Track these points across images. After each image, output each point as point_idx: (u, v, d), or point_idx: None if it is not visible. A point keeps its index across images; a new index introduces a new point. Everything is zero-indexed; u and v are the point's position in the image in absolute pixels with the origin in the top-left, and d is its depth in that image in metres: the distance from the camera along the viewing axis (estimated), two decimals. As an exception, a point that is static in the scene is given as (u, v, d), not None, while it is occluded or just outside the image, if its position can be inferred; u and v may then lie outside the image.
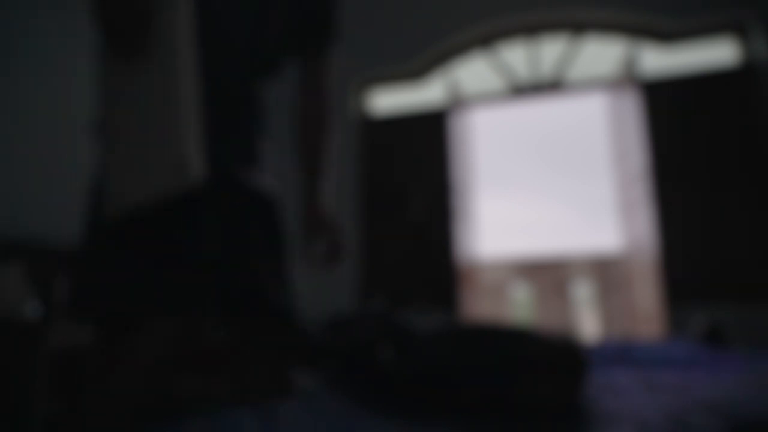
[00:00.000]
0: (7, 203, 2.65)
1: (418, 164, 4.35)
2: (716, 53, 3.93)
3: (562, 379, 0.68)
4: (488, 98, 4.43)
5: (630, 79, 3.98)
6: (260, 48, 1.08)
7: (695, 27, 3.89)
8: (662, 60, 4.04)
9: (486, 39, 4.39)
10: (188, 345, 0.87)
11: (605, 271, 11.48)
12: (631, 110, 4.01)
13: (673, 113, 3.85)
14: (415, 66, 4.40)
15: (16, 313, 1.89)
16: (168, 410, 0.82)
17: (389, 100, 4.61)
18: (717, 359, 1.27)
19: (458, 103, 4.43)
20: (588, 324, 11.56)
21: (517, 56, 4.41)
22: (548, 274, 11.86)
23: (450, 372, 0.71)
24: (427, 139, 4.38)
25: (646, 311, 3.97)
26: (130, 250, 0.89)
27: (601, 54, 4.31)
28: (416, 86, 4.53)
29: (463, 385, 0.70)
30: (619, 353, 1.28)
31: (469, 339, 0.75)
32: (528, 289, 11.97)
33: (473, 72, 4.50)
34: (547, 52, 4.33)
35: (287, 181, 1.36)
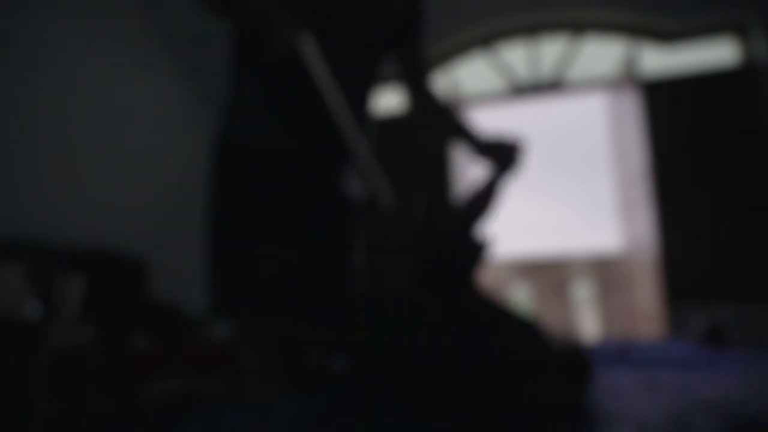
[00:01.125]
0: (7, 203, 2.65)
1: (419, 164, 4.34)
2: (716, 53, 3.93)
3: (567, 383, 0.68)
4: (488, 98, 4.42)
5: (630, 79, 3.97)
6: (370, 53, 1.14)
7: (695, 27, 3.89)
8: (662, 60, 4.03)
9: (486, 39, 4.39)
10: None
11: (605, 271, 11.47)
12: (631, 110, 4.01)
13: (673, 113, 3.85)
14: (415, 66, 4.39)
15: (16, 313, 1.88)
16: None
17: (389, 100, 4.61)
18: (717, 359, 1.27)
19: (458, 103, 4.42)
20: (588, 324, 11.56)
21: (517, 56, 4.40)
22: (548, 274, 11.85)
23: (454, 369, 0.71)
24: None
25: (646, 311, 3.97)
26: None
27: (601, 54, 4.30)
28: (416, 86, 4.52)
29: (469, 384, 0.70)
30: (620, 353, 1.28)
31: (476, 332, 0.75)
32: (528, 289, 11.96)
33: (473, 72, 4.50)
34: (547, 52, 4.32)
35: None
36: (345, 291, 1.13)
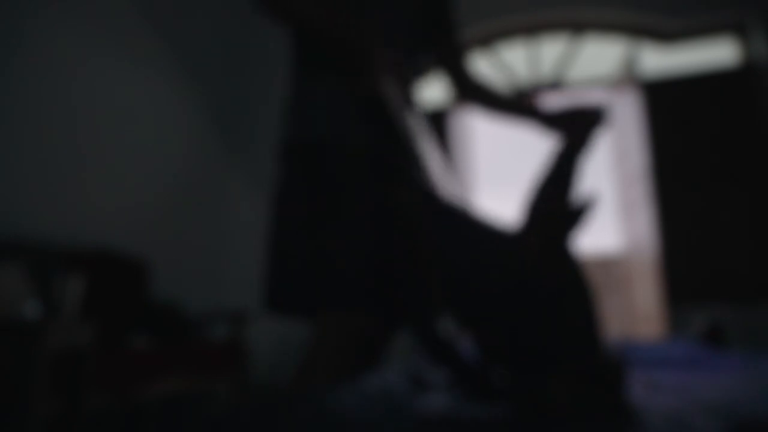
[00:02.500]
0: (7, 203, 2.65)
1: (418, 164, 4.35)
2: (716, 53, 3.93)
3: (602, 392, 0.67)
4: (488, 98, 4.42)
5: (630, 79, 3.97)
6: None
7: (695, 27, 3.89)
8: (662, 60, 4.04)
9: (486, 39, 4.39)
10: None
11: (605, 271, 11.47)
12: (631, 110, 4.01)
13: (673, 113, 3.85)
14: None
15: (16, 313, 1.89)
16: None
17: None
18: (717, 359, 1.27)
19: (458, 103, 4.42)
20: (588, 324, 11.55)
21: (517, 56, 4.40)
22: (548, 274, 11.83)
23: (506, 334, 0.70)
24: (427, 139, 4.37)
25: (646, 311, 3.97)
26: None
27: (601, 54, 4.31)
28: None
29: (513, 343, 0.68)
30: (619, 353, 1.28)
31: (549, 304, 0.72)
32: (528, 289, 11.95)
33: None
34: (547, 52, 4.33)
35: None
36: (420, 286, 1.09)
